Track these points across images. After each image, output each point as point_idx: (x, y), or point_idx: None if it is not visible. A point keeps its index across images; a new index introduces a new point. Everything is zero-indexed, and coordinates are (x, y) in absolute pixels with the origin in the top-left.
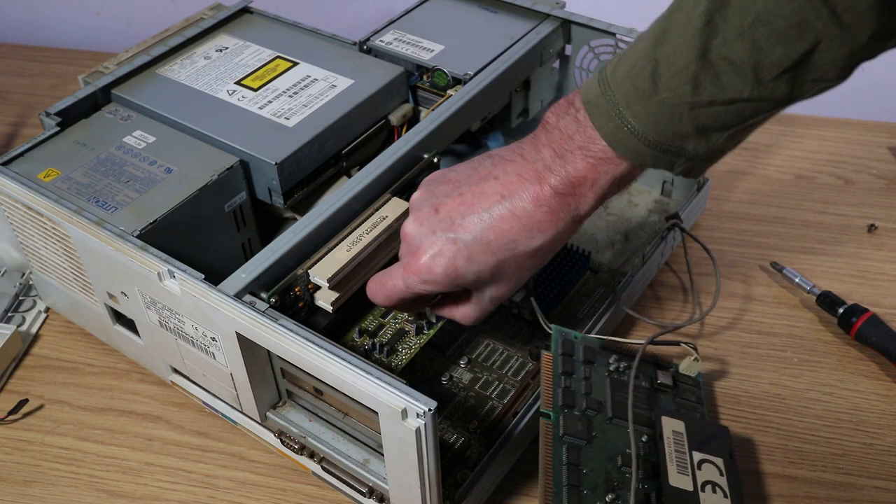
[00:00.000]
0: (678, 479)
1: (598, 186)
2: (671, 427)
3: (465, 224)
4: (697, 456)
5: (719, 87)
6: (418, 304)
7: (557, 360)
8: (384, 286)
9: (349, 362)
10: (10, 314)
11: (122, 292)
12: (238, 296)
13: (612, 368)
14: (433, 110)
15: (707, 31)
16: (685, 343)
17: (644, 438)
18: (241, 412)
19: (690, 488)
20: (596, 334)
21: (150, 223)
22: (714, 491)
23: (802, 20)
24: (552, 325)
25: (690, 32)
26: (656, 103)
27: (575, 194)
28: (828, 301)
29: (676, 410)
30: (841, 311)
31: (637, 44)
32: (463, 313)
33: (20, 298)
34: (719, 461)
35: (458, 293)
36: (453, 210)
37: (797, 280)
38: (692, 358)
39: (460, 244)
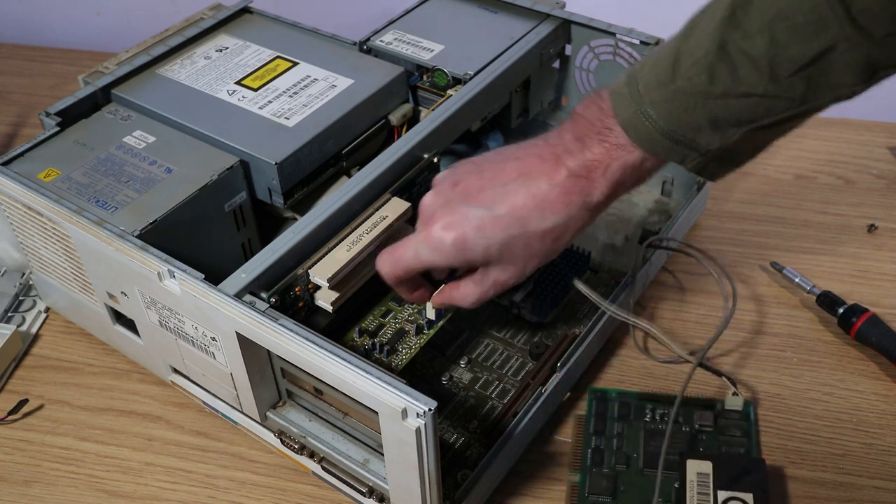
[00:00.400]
0: None
1: (610, 173)
2: (696, 469)
3: (479, 197)
4: (723, 495)
5: (735, 79)
6: (421, 287)
7: (590, 421)
8: (393, 254)
9: (349, 362)
10: (10, 314)
11: (122, 292)
12: (238, 296)
13: (647, 419)
14: (433, 110)
15: (728, 24)
16: (726, 377)
17: (676, 485)
18: (241, 412)
19: None
20: (595, 334)
21: (150, 223)
22: None
23: (821, 18)
24: (588, 388)
25: (713, 25)
26: (672, 91)
27: (589, 178)
28: (828, 301)
29: (709, 450)
30: (841, 311)
31: (667, 40)
32: (463, 293)
33: (20, 298)
34: (748, 496)
35: (460, 277)
36: (471, 185)
37: (797, 280)
38: (731, 392)
39: (472, 215)
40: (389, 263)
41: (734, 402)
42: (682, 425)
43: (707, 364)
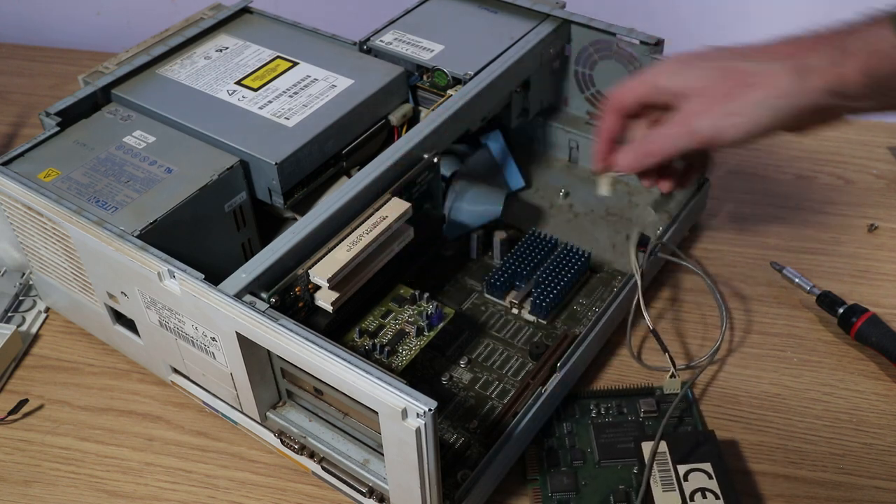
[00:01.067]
0: (664, 498)
1: (872, 68)
2: (653, 450)
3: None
4: (683, 468)
5: None
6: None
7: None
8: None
9: (349, 362)
10: (10, 314)
11: (122, 292)
12: (238, 296)
13: (593, 415)
14: (433, 110)
15: None
16: (669, 356)
17: (635, 470)
18: (241, 412)
19: (679, 502)
20: (595, 334)
21: (150, 223)
22: (704, 496)
23: None
24: None
25: None
26: None
27: (844, 52)
28: (828, 301)
29: (659, 433)
30: (841, 311)
31: None
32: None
33: (20, 298)
34: (706, 466)
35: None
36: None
37: (797, 280)
38: (669, 375)
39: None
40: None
41: (673, 386)
42: (627, 416)
43: (658, 335)
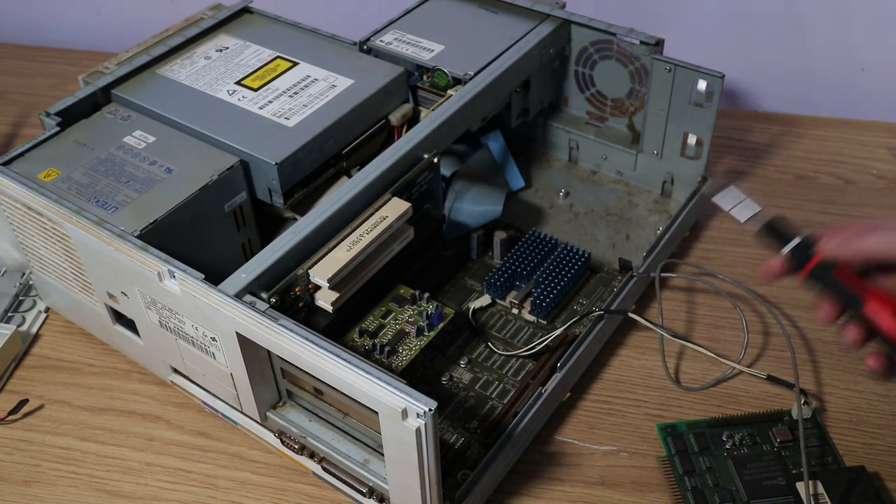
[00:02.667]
0: None
1: None
2: (809, 491)
3: None
4: None
5: None
6: None
7: (675, 463)
8: None
9: (349, 362)
10: (10, 314)
11: (122, 292)
12: (238, 296)
13: (728, 446)
14: (433, 110)
15: None
16: (799, 389)
17: None
18: (241, 412)
19: None
20: (595, 335)
21: (151, 223)
22: None
23: None
24: (656, 426)
25: None
26: None
27: None
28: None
29: (805, 469)
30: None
31: None
32: None
33: (20, 298)
34: None
35: None
36: None
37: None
38: (802, 402)
39: None
40: None
41: (802, 412)
42: (761, 445)
43: (775, 377)
